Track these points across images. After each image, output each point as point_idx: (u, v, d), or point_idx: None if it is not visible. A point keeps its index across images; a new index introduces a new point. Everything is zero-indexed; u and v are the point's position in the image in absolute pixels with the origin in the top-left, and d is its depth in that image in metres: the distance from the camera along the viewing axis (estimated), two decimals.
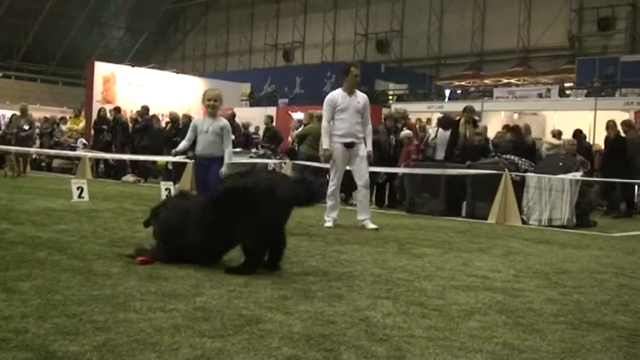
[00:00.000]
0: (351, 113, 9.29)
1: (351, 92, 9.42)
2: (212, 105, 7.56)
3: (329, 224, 9.32)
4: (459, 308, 4.43)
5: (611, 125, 14.78)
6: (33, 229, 7.36)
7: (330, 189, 9.57)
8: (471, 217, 11.92)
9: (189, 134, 7.73)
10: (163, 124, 21.18)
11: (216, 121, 7.57)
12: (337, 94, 9.45)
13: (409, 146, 13.90)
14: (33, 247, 6.13)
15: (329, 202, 9.52)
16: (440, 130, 14.15)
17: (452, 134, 13.84)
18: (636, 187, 14.72)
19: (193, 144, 7.78)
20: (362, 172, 9.42)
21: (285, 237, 5.56)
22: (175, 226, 5.61)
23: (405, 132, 14.04)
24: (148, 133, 19.62)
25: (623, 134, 14.72)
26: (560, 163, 12.03)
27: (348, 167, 9.59)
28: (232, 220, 5.31)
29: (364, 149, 9.42)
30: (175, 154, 8.32)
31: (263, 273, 5.33)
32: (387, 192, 14.69)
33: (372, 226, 9.29)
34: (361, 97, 9.51)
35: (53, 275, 4.82)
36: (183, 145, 7.84)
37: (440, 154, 13.96)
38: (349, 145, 9.31)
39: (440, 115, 17.19)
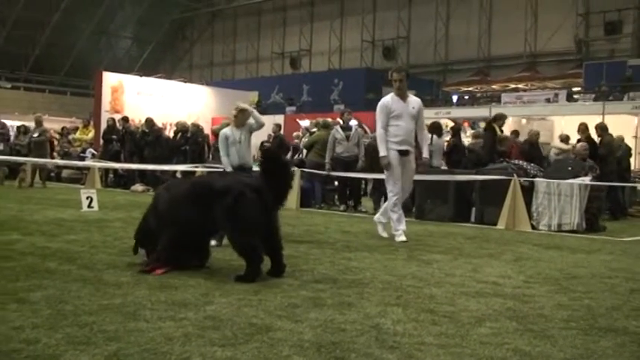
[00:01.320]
0: (407, 119, 8.82)
1: (403, 97, 8.95)
2: (238, 117, 8.09)
3: (401, 238, 8.67)
4: (470, 315, 4.41)
5: (582, 129, 14.77)
6: (43, 240, 7.39)
7: (391, 200, 8.92)
8: (480, 223, 11.88)
9: (223, 149, 8.13)
10: (171, 134, 21.21)
11: (244, 130, 8.08)
12: (390, 100, 8.95)
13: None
14: (43, 257, 6.15)
15: (394, 215, 8.87)
16: (434, 136, 14.15)
17: (487, 138, 13.87)
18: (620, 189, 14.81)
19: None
20: (407, 182, 8.99)
21: (279, 238, 5.61)
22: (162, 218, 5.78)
23: None
24: (159, 144, 19.71)
25: (597, 137, 14.71)
26: (569, 168, 11.97)
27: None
28: (211, 217, 5.47)
29: (413, 158, 9.01)
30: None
31: (272, 281, 5.33)
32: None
33: (401, 238, 8.69)
34: (415, 102, 9.05)
35: (64, 285, 4.84)
36: (227, 161, 8.14)
37: (436, 161, 13.95)
38: (404, 153, 8.83)
39: (433, 121, 17.17)
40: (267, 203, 5.45)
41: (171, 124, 23.40)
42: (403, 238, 8.67)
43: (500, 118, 14.55)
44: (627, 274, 6.54)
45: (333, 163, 14.26)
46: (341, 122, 14.83)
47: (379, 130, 8.90)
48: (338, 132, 14.41)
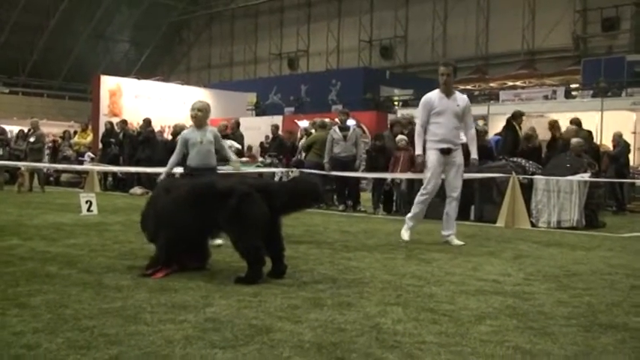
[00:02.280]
0: (449, 117, 8.38)
1: (448, 94, 8.51)
2: (193, 115, 7.46)
3: (405, 237, 8.61)
4: (470, 313, 4.42)
5: (555, 126, 14.86)
6: (43, 244, 7.39)
7: (419, 197, 8.69)
8: (479, 221, 11.89)
9: (179, 148, 7.46)
10: (170, 137, 21.21)
11: (206, 131, 7.45)
12: (434, 96, 8.54)
13: (403, 152, 13.68)
14: (43, 262, 6.15)
15: (413, 210, 8.71)
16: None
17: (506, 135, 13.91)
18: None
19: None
20: (455, 183, 8.51)
21: (282, 240, 5.61)
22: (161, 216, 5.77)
23: (400, 137, 13.87)
24: (149, 145, 19.64)
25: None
26: (568, 165, 11.99)
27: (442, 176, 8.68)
28: (214, 219, 5.46)
29: (461, 157, 8.53)
30: (169, 174, 7.69)
31: (272, 282, 5.33)
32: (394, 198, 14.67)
33: (457, 242, 8.38)
34: (461, 99, 8.61)
35: (64, 290, 4.84)
36: (174, 161, 7.50)
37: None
38: (445, 152, 8.39)
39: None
40: (273, 205, 5.42)
41: (169, 127, 23.40)
42: (406, 237, 8.59)
43: (520, 116, 14.54)
44: (627, 271, 6.55)
45: (331, 163, 14.27)
46: (339, 122, 14.85)
47: (417, 128, 8.58)
48: (335, 132, 14.44)
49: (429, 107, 8.44)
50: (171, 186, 5.95)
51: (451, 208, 8.61)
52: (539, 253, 7.77)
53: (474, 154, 8.59)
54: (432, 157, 8.42)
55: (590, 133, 16.08)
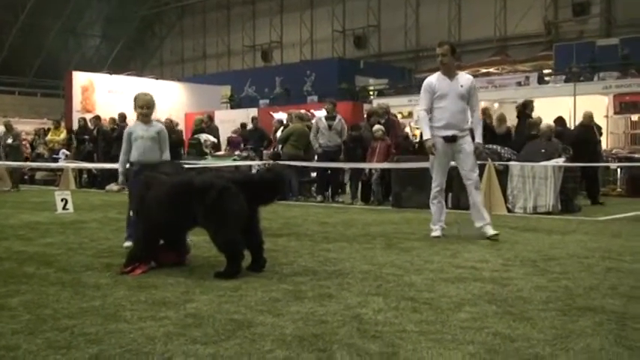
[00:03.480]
0: (453, 100, 7.86)
1: (450, 75, 7.96)
2: (144, 113, 7.05)
3: (436, 233, 8.00)
4: (449, 300, 4.45)
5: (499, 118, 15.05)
6: (19, 244, 7.32)
7: (432, 191, 8.15)
8: (456, 209, 11.94)
9: (124, 146, 7.11)
10: None
11: (151, 126, 7.08)
12: (434, 79, 8.02)
13: (380, 142, 13.72)
14: (20, 262, 6.10)
15: (432, 207, 8.15)
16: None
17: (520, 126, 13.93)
18: None
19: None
20: (470, 170, 7.97)
21: (260, 233, 5.62)
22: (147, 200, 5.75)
23: (376, 127, 13.91)
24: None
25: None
26: (542, 150, 12.09)
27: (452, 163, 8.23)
28: (193, 214, 5.44)
29: (470, 142, 7.99)
30: (124, 177, 7.29)
31: (252, 276, 5.33)
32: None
33: (492, 232, 7.80)
34: (465, 79, 8.04)
35: (42, 289, 4.81)
36: (123, 159, 7.16)
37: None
38: (450, 139, 7.88)
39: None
40: (251, 197, 5.42)
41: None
42: (438, 232, 8.02)
43: (530, 104, 14.55)
44: (603, 254, 6.63)
45: (318, 152, 14.33)
46: (326, 112, 14.84)
47: (421, 113, 8.06)
48: (321, 121, 14.44)
49: (431, 91, 7.96)
50: (151, 181, 5.89)
51: (474, 197, 7.99)
52: (516, 239, 7.83)
53: (479, 138, 8.09)
54: (437, 146, 7.93)
55: (561, 118, 16.20)
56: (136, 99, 7.14)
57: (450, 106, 7.88)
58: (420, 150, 13.56)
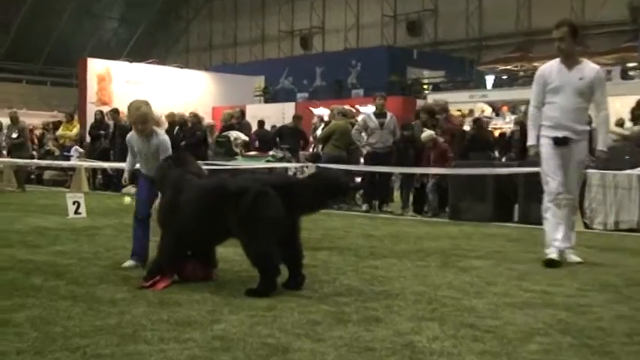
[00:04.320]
0: (568, 95, 7.31)
1: (570, 64, 7.40)
2: (139, 129, 6.86)
3: (552, 255, 7.28)
4: (516, 329, 4.41)
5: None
6: (25, 252, 7.44)
7: (544, 206, 7.54)
8: (524, 223, 11.83)
9: (129, 152, 7.15)
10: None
11: (150, 140, 6.90)
12: (550, 68, 7.51)
13: (433, 150, 13.55)
14: (26, 272, 6.19)
15: (545, 223, 7.53)
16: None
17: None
18: None
19: None
20: (572, 183, 7.48)
21: (300, 245, 5.63)
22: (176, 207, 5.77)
23: (427, 133, 13.63)
24: None
25: None
26: (627, 157, 11.90)
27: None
28: (226, 221, 5.45)
29: (584, 151, 7.55)
30: (129, 175, 7.36)
31: (288, 294, 5.34)
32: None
33: (574, 259, 7.41)
34: (588, 70, 7.41)
35: (51, 304, 4.87)
36: (130, 166, 7.23)
37: None
38: (561, 142, 7.34)
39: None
40: (291, 204, 5.42)
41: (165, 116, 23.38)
42: (555, 255, 7.30)
43: None
44: None
45: (367, 152, 14.32)
46: (375, 108, 14.80)
47: (530, 110, 7.68)
48: (371, 119, 14.40)
49: (543, 82, 7.46)
50: (179, 184, 5.88)
51: (564, 214, 7.46)
52: (595, 260, 7.71)
53: (601, 145, 7.61)
54: (545, 149, 7.43)
55: None
56: (128, 110, 7.07)
57: (563, 102, 7.36)
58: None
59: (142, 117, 6.78)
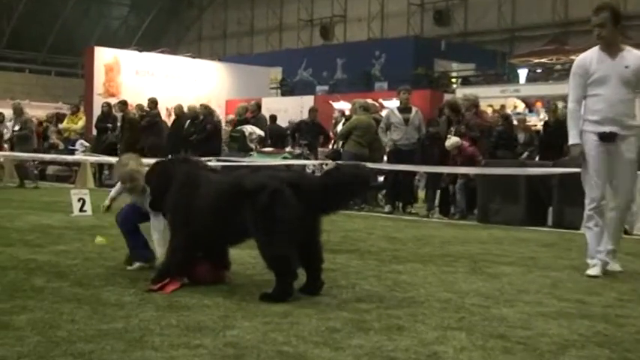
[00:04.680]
0: (614, 85, 7.01)
1: (612, 52, 7.13)
2: (128, 188, 6.69)
3: (594, 271, 6.97)
4: (550, 341, 4.39)
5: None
6: (26, 251, 7.49)
7: (585, 214, 7.22)
8: (558, 227, 11.79)
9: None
10: (173, 118, 21.28)
11: (143, 196, 6.59)
12: (590, 57, 7.20)
13: (458, 156, 13.41)
14: (28, 272, 6.23)
15: (587, 233, 7.23)
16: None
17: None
18: None
19: None
20: (623, 185, 7.14)
21: (320, 248, 5.62)
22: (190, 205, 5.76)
23: (452, 141, 13.45)
24: (155, 131, 19.73)
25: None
26: None
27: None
28: (242, 220, 5.45)
29: (633, 147, 7.14)
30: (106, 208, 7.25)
31: (305, 299, 5.34)
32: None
33: (615, 267, 7.18)
34: (633, 57, 7.12)
35: (54, 307, 4.90)
36: (116, 194, 7.12)
37: None
38: (607, 138, 7.02)
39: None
40: (310, 203, 5.40)
41: (167, 109, 23.33)
42: (597, 270, 6.98)
43: None
44: None
45: (391, 149, 14.30)
46: (400, 102, 14.79)
47: (570, 105, 7.35)
48: (394, 114, 14.39)
49: (584, 73, 7.16)
50: (190, 180, 5.88)
51: (612, 217, 7.16)
52: (636, 267, 7.68)
53: None
54: (588, 147, 7.10)
55: None
56: (115, 167, 7.01)
57: (609, 93, 7.03)
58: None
59: (129, 175, 6.59)
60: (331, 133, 19.72)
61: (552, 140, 15.55)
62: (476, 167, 13.10)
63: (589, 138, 7.09)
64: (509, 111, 22.27)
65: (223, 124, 21.46)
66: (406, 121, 14.21)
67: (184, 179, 5.89)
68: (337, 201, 5.65)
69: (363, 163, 13.87)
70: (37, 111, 28.33)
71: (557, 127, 14.99)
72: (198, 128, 18.46)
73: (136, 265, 6.59)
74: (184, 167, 6.06)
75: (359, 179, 5.78)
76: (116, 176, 7.17)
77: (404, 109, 14.48)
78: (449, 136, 13.55)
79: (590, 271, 6.99)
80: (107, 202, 7.16)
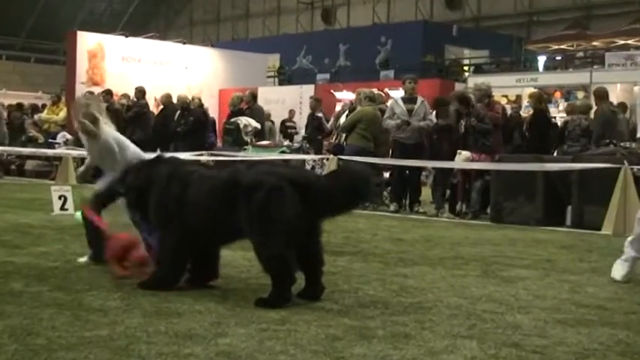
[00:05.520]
0: None
1: None
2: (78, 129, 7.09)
3: (617, 275, 6.99)
4: (568, 350, 4.40)
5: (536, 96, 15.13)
6: (3, 253, 7.50)
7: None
8: (578, 227, 11.79)
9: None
10: (160, 107, 21.25)
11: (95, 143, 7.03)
12: None
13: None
14: (5, 275, 6.24)
15: (636, 230, 7.10)
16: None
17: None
18: None
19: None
20: None
21: (320, 250, 5.63)
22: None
23: (463, 157, 13.35)
24: (142, 122, 19.68)
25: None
26: None
27: None
28: (237, 218, 5.46)
29: None
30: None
31: (304, 305, 5.36)
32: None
33: None
34: None
35: (33, 312, 4.91)
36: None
37: None
38: None
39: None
40: (311, 203, 5.41)
41: (156, 99, 23.29)
42: (618, 275, 7.01)
43: None
44: None
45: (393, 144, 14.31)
46: (404, 92, 14.76)
47: None
48: (397, 105, 14.33)
49: None
50: (180, 176, 5.89)
51: None
52: None
53: None
54: None
55: None
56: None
57: None
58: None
59: (90, 113, 6.99)
60: (329, 126, 19.58)
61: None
62: (490, 163, 13.10)
63: None
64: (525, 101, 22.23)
65: (212, 113, 21.43)
66: (410, 111, 14.14)
67: (173, 175, 5.89)
68: (343, 205, 5.65)
69: (368, 157, 13.97)
70: (13, 100, 28.28)
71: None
72: (190, 120, 18.42)
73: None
74: (171, 164, 6.08)
75: (361, 190, 5.73)
76: (76, 115, 7.18)
77: (409, 99, 14.41)
78: (458, 151, 13.52)
79: (616, 275, 6.97)
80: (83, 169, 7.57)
